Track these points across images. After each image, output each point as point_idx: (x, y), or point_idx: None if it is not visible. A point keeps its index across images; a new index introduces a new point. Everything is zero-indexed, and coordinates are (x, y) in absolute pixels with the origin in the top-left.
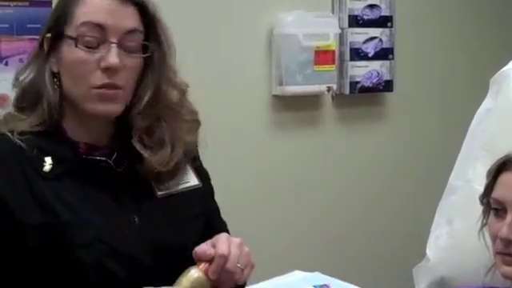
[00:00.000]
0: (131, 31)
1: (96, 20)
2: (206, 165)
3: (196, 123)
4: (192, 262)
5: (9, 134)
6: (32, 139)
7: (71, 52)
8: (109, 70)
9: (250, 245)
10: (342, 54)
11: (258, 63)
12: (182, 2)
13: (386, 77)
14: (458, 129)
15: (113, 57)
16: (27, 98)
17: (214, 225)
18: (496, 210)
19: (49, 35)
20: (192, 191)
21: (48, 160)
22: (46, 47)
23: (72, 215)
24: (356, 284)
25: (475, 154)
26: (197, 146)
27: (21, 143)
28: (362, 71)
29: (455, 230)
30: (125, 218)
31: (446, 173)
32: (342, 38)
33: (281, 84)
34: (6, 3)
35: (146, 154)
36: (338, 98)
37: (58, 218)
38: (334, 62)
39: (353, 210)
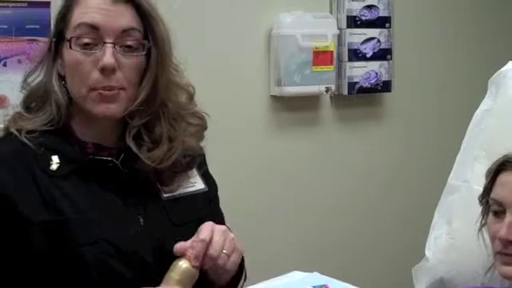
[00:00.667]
0: (127, 30)
1: (89, 21)
2: None
3: (201, 128)
4: None
5: (16, 133)
6: (39, 138)
7: (69, 54)
8: (105, 71)
9: (249, 245)
10: (340, 55)
11: (256, 64)
12: (182, 2)
13: (385, 77)
14: (457, 129)
15: (107, 57)
16: (36, 98)
17: None
18: (495, 210)
19: (54, 39)
20: (198, 195)
21: (55, 159)
22: (52, 50)
23: (77, 214)
24: (355, 284)
25: (474, 154)
26: (203, 152)
27: (28, 142)
28: (360, 72)
29: (454, 230)
30: (130, 219)
31: (445, 173)
32: (340, 39)
33: (279, 85)
34: (5, 4)
35: (138, 152)
36: (337, 99)
37: (64, 215)
38: (332, 63)
39: (351, 211)
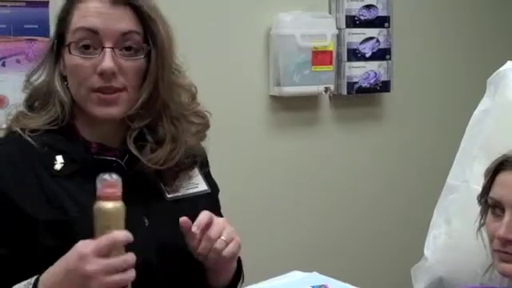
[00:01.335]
0: (126, 33)
1: (88, 25)
2: None
3: (204, 127)
4: (198, 264)
5: (20, 132)
6: (43, 137)
7: (69, 58)
8: (104, 75)
9: (249, 245)
10: (339, 55)
11: (255, 64)
12: (181, 2)
13: (384, 77)
14: (456, 129)
15: (106, 62)
16: (39, 98)
17: None
18: (494, 209)
19: (55, 41)
20: (201, 196)
21: (59, 158)
22: (54, 51)
23: (81, 213)
24: (354, 284)
25: (473, 153)
26: (206, 153)
27: (31, 141)
28: (359, 72)
29: (453, 230)
30: (134, 219)
31: (444, 173)
32: (339, 39)
33: (278, 84)
34: (3, 3)
35: (140, 154)
36: (336, 99)
37: (68, 215)
38: (331, 63)
39: (351, 210)
